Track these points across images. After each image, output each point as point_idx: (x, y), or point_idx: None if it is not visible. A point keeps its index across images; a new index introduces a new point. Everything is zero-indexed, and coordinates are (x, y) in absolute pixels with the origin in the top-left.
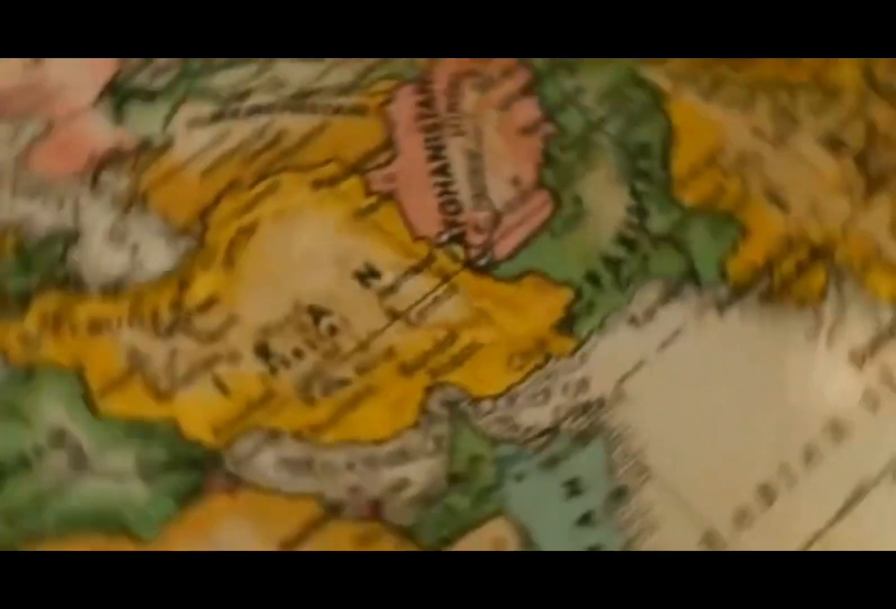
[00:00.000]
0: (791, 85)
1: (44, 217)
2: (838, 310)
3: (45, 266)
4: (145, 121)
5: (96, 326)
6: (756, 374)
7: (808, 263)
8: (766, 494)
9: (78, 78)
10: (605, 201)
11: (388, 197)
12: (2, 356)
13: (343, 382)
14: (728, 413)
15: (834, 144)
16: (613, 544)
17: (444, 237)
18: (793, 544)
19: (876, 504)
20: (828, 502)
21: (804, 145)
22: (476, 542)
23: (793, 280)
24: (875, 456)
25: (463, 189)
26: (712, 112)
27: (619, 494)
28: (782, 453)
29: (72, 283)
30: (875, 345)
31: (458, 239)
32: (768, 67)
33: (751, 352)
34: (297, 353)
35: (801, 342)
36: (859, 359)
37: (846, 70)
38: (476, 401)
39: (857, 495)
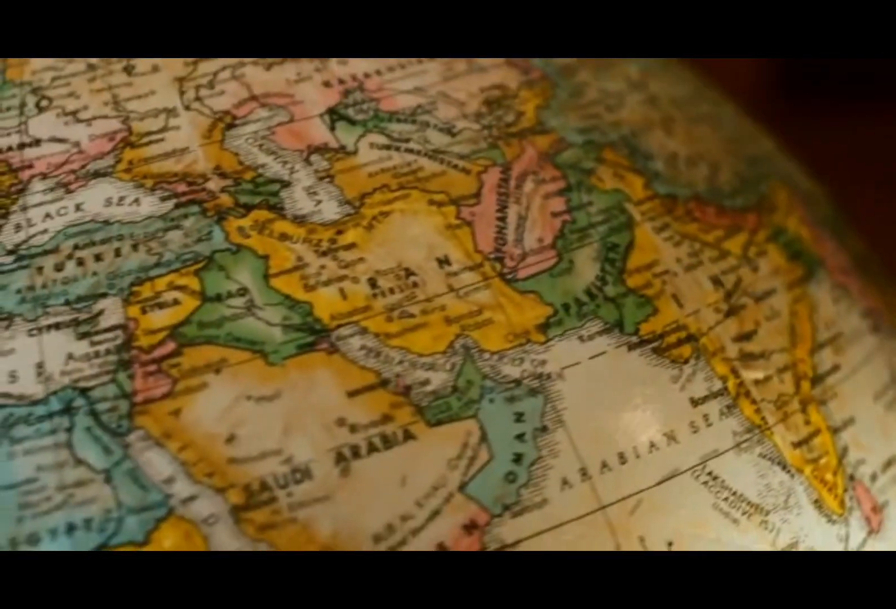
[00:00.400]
0: (707, 243)
1: (274, 167)
2: (692, 372)
3: (266, 195)
4: (345, 135)
5: (284, 237)
6: (629, 386)
7: (683, 340)
8: (622, 457)
9: (315, 97)
10: (585, 268)
11: (468, 223)
12: (224, 231)
13: (411, 315)
14: (619, 401)
15: (717, 282)
16: (530, 457)
17: (492, 256)
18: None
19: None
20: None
21: (701, 276)
22: (456, 429)
23: (673, 346)
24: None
25: (509, 234)
26: (657, 241)
27: (543, 429)
28: (639, 435)
29: (276, 208)
30: (705, 399)
31: (500, 259)
32: (705, 234)
33: (639, 376)
34: (391, 290)
35: (667, 381)
36: (696, 401)
37: (738, 240)
38: (481, 351)
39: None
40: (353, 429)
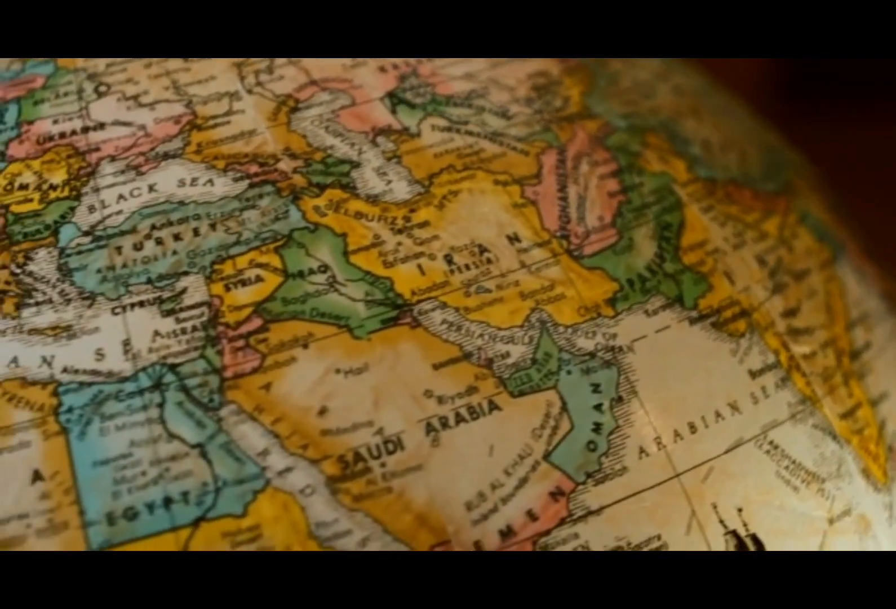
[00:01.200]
0: (748, 223)
1: (343, 148)
2: (748, 346)
3: (338, 175)
4: (407, 118)
5: (359, 215)
6: (694, 358)
7: (738, 315)
8: (692, 427)
9: (372, 81)
10: (644, 246)
11: (532, 202)
12: (300, 210)
13: (487, 290)
14: (686, 372)
15: (761, 261)
16: (608, 426)
17: (558, 233)
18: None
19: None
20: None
21: (747, 255)
22: (537, 399)
23: (729, 321)
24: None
25: (572, 213)
26: (705, 221)
27: (619, 400)
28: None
29: (349, 188)
30: (762, 371)
31: (565, 237)
32: (745, 215)
33: (701, 349)
34: (466, 266)
35: (727, 354)
36: (754, 374)
37: (773, 222)
38: (555, 324)
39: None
40: (441, 400)
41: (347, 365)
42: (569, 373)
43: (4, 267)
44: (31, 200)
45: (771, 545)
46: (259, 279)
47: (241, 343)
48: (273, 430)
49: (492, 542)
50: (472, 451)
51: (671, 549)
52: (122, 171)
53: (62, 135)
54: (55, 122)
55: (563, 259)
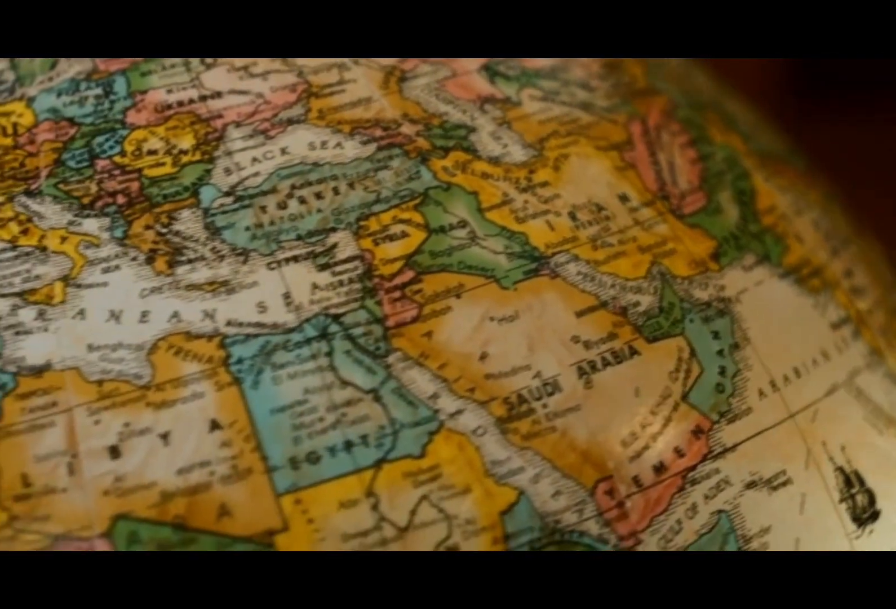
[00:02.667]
0: (800, 192)
1: (456, 115)
2: (825, 301)
3: (457, 139)
4: (506, 88)
5: (485, 175)
6: (788, 310)
7: (812, 273)
8: (797, 371)
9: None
10: (729, 208)
11: (632, 166)
12: (431, 170)
13: (610, 244)
14: (784, 322)
15: (816, 226)
16: (731, 370)
17: (659, 195)
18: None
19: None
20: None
21: (806, 220)
22: (669, 345)
23: (807, 278)
24: None
25: (666, 177)
26: (769, 188)
27: (736, 346)
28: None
29: (471, 150)
30: (839, 324)
31: (666, 198)
32: (794, 187)
33: (791, 302)
34: (589, 223)
35: (811, 308)
36: (834, 326)
37: (812, 195)
38: (673, 277)
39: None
40: (587, 345)
41: (499, 313)
42: (691, 321)
43: (149, 227)
44: (163, 164)
45: (869, 481)
46: (405, 234)
47: (397, 294)
48: (440, 374)
49: (647, 477)
50: (620, 393)
51: (795, 483)
52: (251, 136)
53: (180, 103)
54: (169, 91)
55: (668, 218)
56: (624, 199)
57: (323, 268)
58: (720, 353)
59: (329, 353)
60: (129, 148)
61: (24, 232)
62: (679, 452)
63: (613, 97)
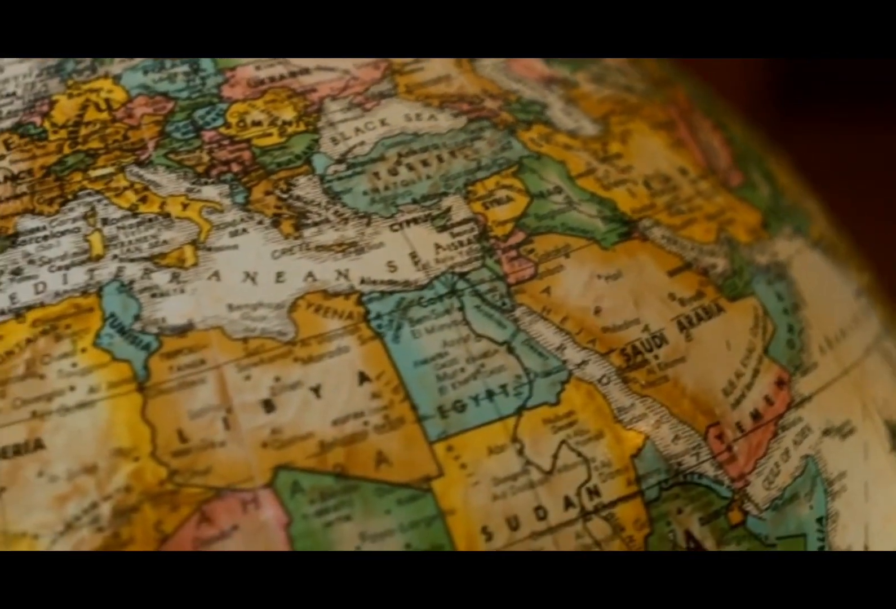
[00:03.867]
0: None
1: (528, 92)
2: (846, 270)
3: (535, 113)
4: (562, 70)
5: (567, 146)
6: (824, 277)
7: (832, 246)
8: (842, 332)
9: None
10: (761, 185)
11: (684, 144)
12: (520, 141)
13: (682, 211)
14: (824, 289)
15: (821, 208)
16: (797, 327)
17: (708, 170)
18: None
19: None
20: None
21: (809, 199)
22: (746, 304)
23: (831, 248)
24: None
25: (709, 155)
26: (781, 170)
27: (796, 306)
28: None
29: (549, 124)
30: (860, 292)
31: (714, 172)
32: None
33: (826, 270)
34: (661, 191)
35: (841, 276)
36: (859, 293)
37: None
38: (737, 242)
39: None
40: (682, 302)
41: (604, 271)
42: (758, 282)
43: (269, 193)
44: (270, 135)
45: None
46: (509, 199)
47: (513, 253)
48: (563, 327)
49: (748, 424)
50: (715, 346)
51: (858, 432)
52: (348, 108)
53: (272, 79)
54: (257, 68)
55: (720, 190)
56: (683, 171)
57: (442, 229)
58: (785, 311)
59: (461, 308)
60: (232, 120)
61: (143, 200)
62: (769, 401)
63: (646, 82)
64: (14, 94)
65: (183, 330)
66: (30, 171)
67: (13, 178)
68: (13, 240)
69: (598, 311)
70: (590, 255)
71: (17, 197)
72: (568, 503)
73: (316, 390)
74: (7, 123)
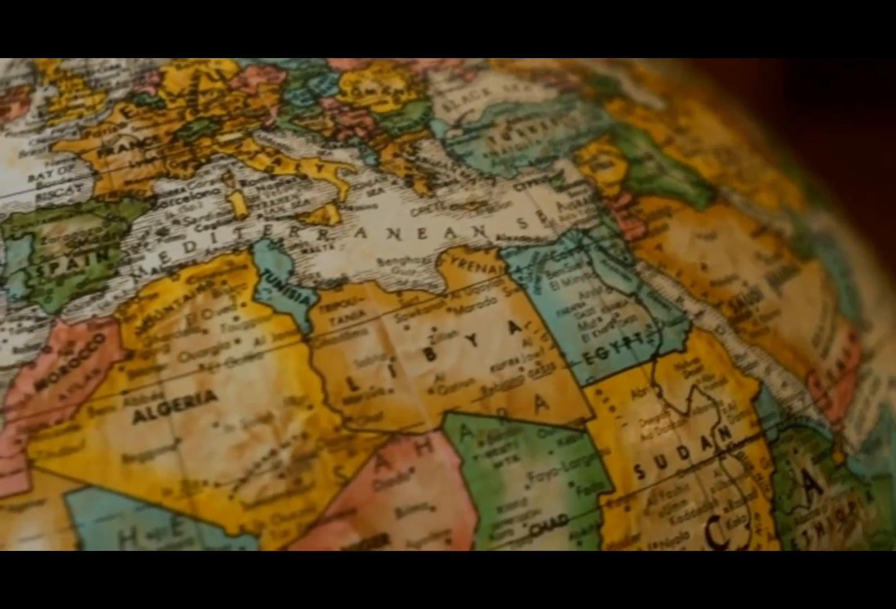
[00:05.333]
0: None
1: (598, 68)
2: (863, 248)
3: (612, 87)
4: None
5: (646, 118)
6: (855, 249)
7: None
8: (879, 298)
9: None
10: (789, 164)
11: (730, 123)
12: (608, 113)
13: (748, 180)
14: (857, 258)
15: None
16: (853, 289)
17: (754, 147)
18: None
19: None
20: None
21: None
22: (814, 265)
23: (846, 227)
24: None
25: (750, 136)
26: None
27: (848, 270)
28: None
29: (625, 97)
30: (875, 269)
31: (757, 149)
32: None
33: (850, 242)
34: (726, 162)
35: (862, 250)
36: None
37: None
38: (795, 211)
39: None
40: (767, 261)
41: (702, 231)
42: (817, 247)
43: (397, 155)
44: (385, 102)
45: None
46: (611, 164)
47: (625, 213)
48: (679, 281)
49: (835, 373)
50: (799, 302)
51: None
52: (451, 79)
53: None
54: None
55: (769, 165)
56: (738, 147)
57: (559, 190)
58: (842, 274)
59: (590, 263)
60: (346, 88)
61: (277, 162)
62: (847, 353)
63: (678, 70)
64: (118, 66)
65: (338, 284)
66: (156, 138)
67: (140, 145)
68: (153, 202)
69: (704, 267)
70: (687, 216)
71: (148, 161)
72: (705, 443)
73: (471, 339)
74: (119, 94)
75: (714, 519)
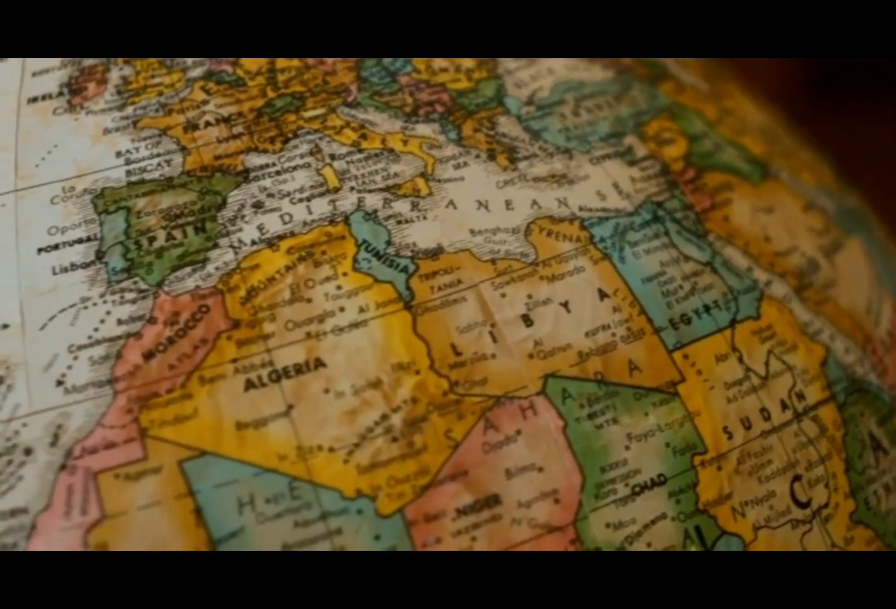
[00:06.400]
0: None
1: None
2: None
3: (661, 69)
4: None
5: (694, 98)
6: (879, 230)
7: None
8: None
9: None
10: (808, 151)
11: (763, 106)
12: (662, 93)
13: (790, 158)
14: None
15: None
16: (887, 265)
17: (787, 129)
18: None
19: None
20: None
21: None
22: (855, 241)
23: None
24: None
25: (779, 120)
26: None
27: (878, 248)
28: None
29: (675, 79)
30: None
31: (789, 132)
32: None
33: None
34: (771, 141)
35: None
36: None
37: None
38: (831, 190)
39: None
40: (819, 234)
41: (761, 205)
42: (853, 224)
43: (477, 130)
44: (459, 80)
45: None
46: (673, 140)
47: (692, 187)
48: (748, 251)
49: (887, 341)
50: (850, 273)
51: None
52: (516, 59)
53: None
54: None
55: (802, 146)
56: (775, 128)
57: (631, 164)
58: (878, 251)
59: (666, 233)
60: (420, 66)
61: (363, 137)
62: (894, 323)
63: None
64: None
65: (435, 253)
66: (240, 114)
67: (225, 120)
68: (245, 175)
69: (767, 239)
70: (746, 190)
71: (235, 137)
72: (784, 405)
73: (565, 305)
74: (197, 72)
75: (797, 478)
